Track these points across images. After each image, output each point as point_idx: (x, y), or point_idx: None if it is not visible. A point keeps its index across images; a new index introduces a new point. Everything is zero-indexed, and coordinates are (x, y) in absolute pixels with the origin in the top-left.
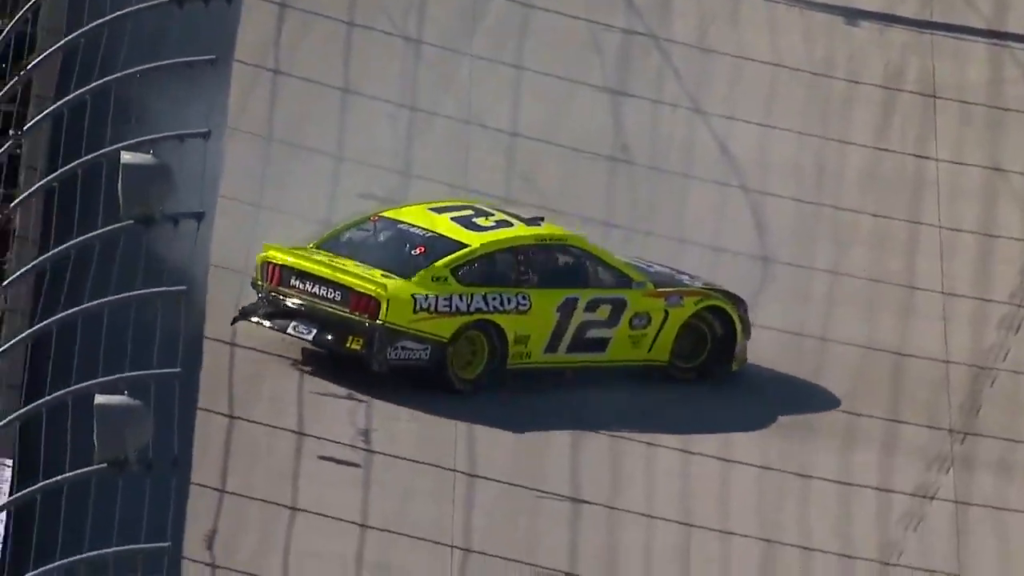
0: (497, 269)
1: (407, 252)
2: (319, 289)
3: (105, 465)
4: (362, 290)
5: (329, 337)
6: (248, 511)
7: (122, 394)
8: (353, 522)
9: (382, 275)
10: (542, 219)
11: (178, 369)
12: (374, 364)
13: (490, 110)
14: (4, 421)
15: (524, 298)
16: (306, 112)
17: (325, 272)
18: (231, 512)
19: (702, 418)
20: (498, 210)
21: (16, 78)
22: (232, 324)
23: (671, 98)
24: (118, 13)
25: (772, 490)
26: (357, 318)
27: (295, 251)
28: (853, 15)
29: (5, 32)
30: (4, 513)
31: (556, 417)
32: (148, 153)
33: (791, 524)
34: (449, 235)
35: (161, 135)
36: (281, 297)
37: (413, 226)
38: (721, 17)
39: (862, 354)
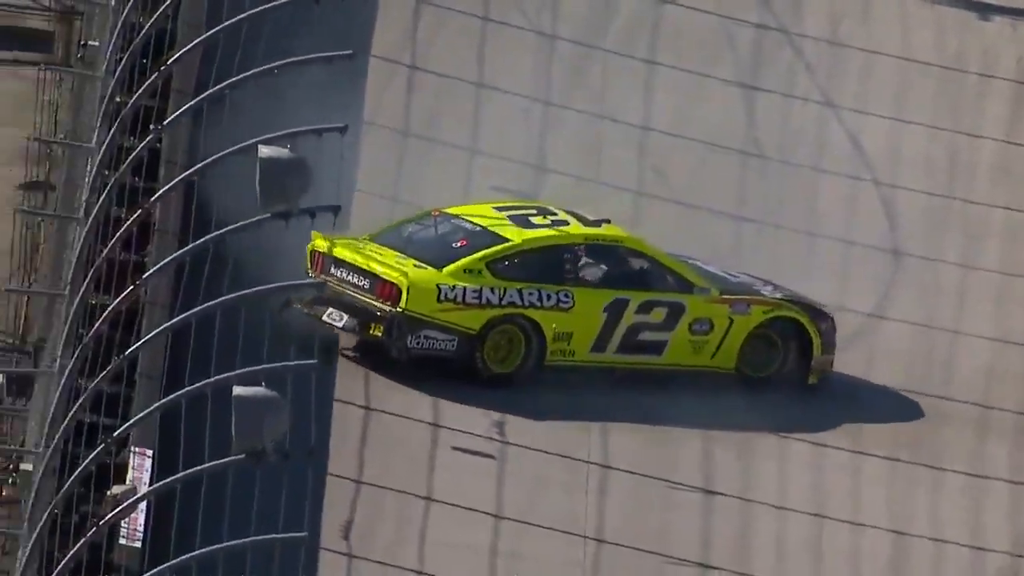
0: (539, 266)
1: (450, 245)
2: (352, 277)
3: (243, 455)
4: (387, 277)
5: (355, 324)
6: (384, 501)
7: (260, 385)
8: (487, 512)
9: (414, 265)
10: (607, 221)
11: (315, 361)
12: (392, 351)
13: (622, 105)
14: (145, 412)
15: (567, 296)
16: (441, 107)
17: (358, 260)
18: (367, 502)
19: (832, 411)
20: (564, 211)
21: (156, 73)
22: (279, 312)
23: (802, 92)
24: (257, 9)
25: (903, 482)
26: (379, 305)
27: (340, 241)
28: (985, 10)
29: (146, 28)
30: (145, 502)
31: (687, 414)
32: (286, 147)
33: (922, 516)
34: (495, 230)
35: (299, 129)
36: (322, 285)
37: (466, 221)
38: (853, 12)
39: (993, 347)
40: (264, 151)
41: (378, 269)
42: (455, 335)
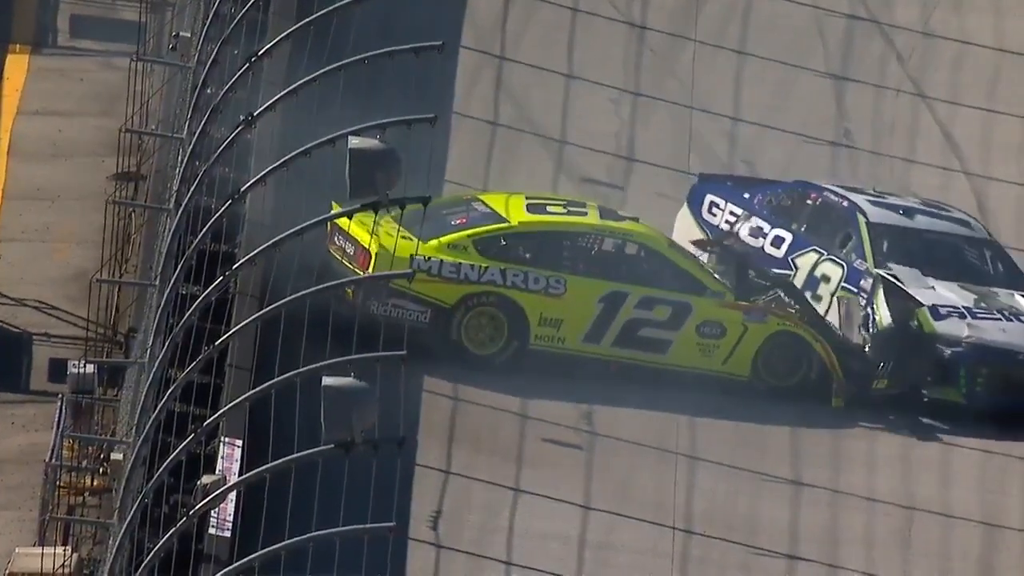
0: (534, 249)
1: (449, 223)
2: (346, 245)
3: (332, 446)
4: (364, 244)
5: (344, 291)
6: (472, 492)
7: (349, 376)
8: (576, 503)
9: (401, 236)
10: (635, 219)
11: (403, 351)
12: (358, 316)
13: (713, 95)
14: (235, 402)
15: (558, 282)
16: (530, 97)
17: (352, 229)
18: (456, 493)
19: (925, 404)
20: (595, 206)
21: (247, 64)
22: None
23: (894, 83)
24: (348, 0)
25: (994, 476)
26: (355, 271)
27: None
28: None
29: (237, 19)
30: (234, 492)
31: (777, 408)
32: (376, 138)
33: (1014, 510)
34: (500, 212)
35: (389, 120)
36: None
37: (482, 204)
38: (944, 1)
39: None
40: (354, 142)
41: (360, 236)
42: (428, 307)
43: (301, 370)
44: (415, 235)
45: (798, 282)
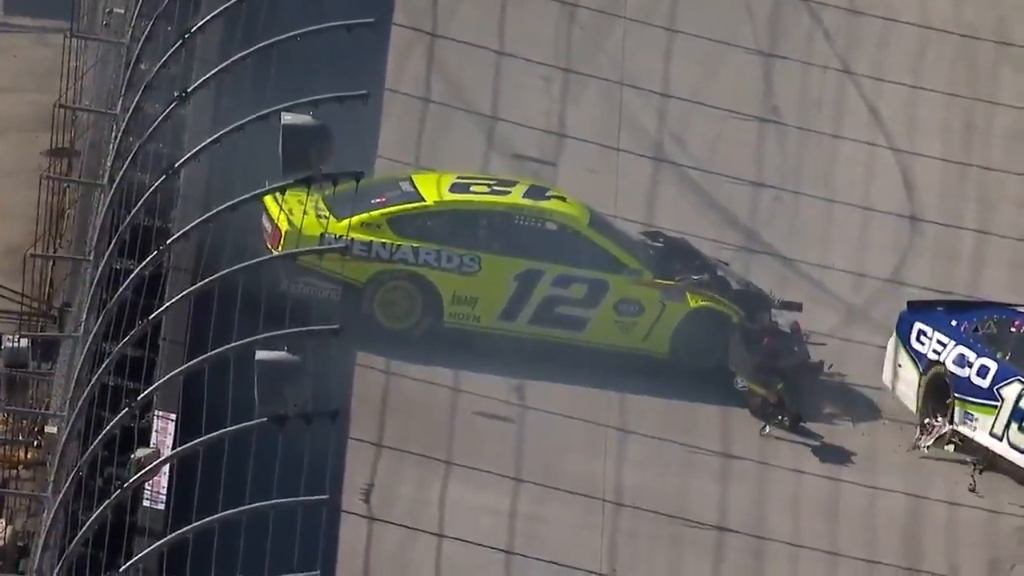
0: (450, 228)
1: (369, 201)
2: (268, 225)
3: (265, 419)
4: (278, 223)
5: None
6: (404, 465)
7: (282, 350)
8: (506, 476)
9: (316, 215)
10: (562, 198)
11: (336, 325)
12: (288, 291)
13: (642, 72)
14: (168, 376)
15: (472, 260)
16: (462, 74)
17: (272, 209)
18: (388, 466)
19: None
20: (524, 184)
21: (180, 41)
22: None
23: (821, 59)
24: None
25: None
26: (270, 249)
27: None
28: None
29: None
30: (168, 465)
31: (705, 388)
32: (308, 114)
33: (939, 482)
34: (422, 192)
35: (321, 97)
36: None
37: (410, 183)
38: None
39: None
40: (287, 118)
41: (277, 215)
42: (339, 284)
43: (234, 344)
44: (334, 213)
45: (1004, 413)
